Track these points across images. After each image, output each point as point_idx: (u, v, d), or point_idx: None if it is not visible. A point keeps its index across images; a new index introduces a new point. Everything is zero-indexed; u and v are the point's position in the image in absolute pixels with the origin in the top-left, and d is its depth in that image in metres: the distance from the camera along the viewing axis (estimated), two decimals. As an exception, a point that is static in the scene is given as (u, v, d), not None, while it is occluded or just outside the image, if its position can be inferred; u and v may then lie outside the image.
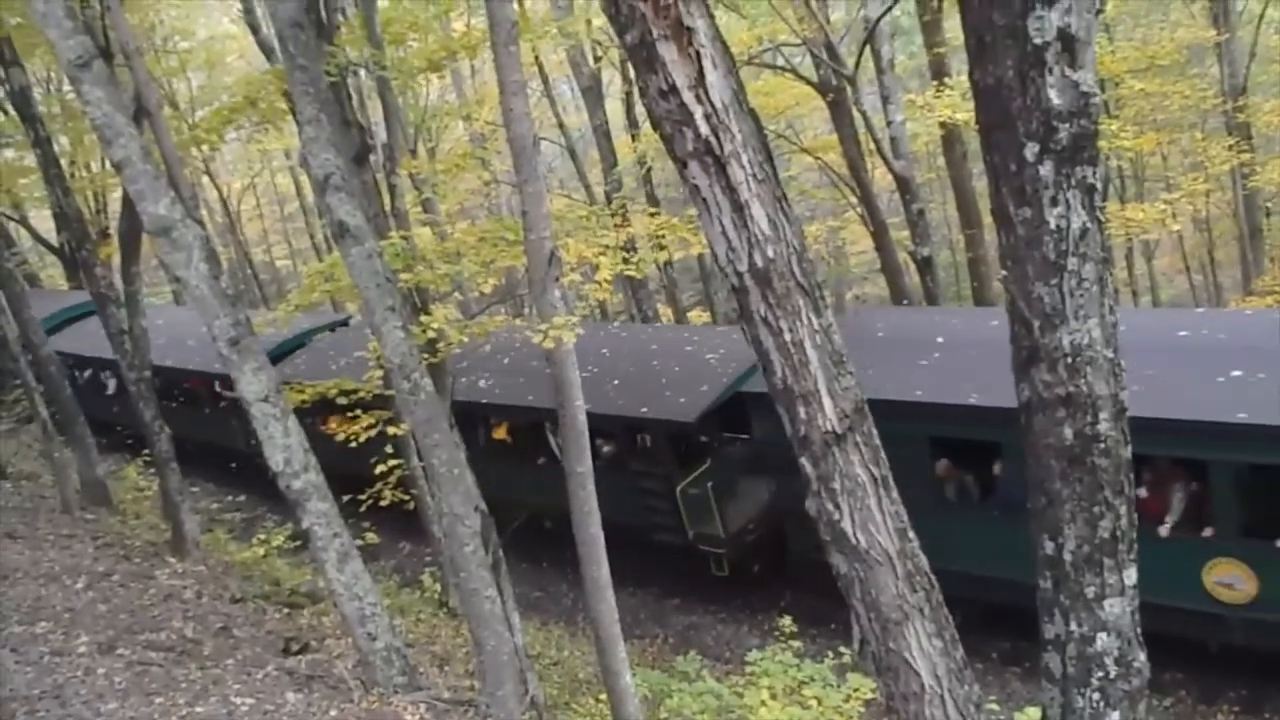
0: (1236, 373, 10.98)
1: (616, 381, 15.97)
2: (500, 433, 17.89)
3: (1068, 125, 3.35)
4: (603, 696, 10.49)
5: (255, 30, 17.46)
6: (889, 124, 18.76)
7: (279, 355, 20.06)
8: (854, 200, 23.69)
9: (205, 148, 15.95)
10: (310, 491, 8.74)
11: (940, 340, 13.54)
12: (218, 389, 22.27)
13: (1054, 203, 3.44)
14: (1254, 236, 23.97)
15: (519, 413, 17.11)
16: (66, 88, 22.98)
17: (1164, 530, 11.42)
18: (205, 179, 38.60)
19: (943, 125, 20.28)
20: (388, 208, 11.71)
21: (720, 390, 14.87)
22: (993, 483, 12.87)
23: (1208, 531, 11.24)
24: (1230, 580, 11.07)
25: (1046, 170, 3.41)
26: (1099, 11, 3.29)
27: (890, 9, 18.48)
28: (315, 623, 12.64)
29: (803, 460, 4.21)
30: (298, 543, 14.88)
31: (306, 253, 48.48)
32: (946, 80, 19.56)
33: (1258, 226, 24.16)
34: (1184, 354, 11.62)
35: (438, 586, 15.40)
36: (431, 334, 10.34)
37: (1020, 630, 11.48)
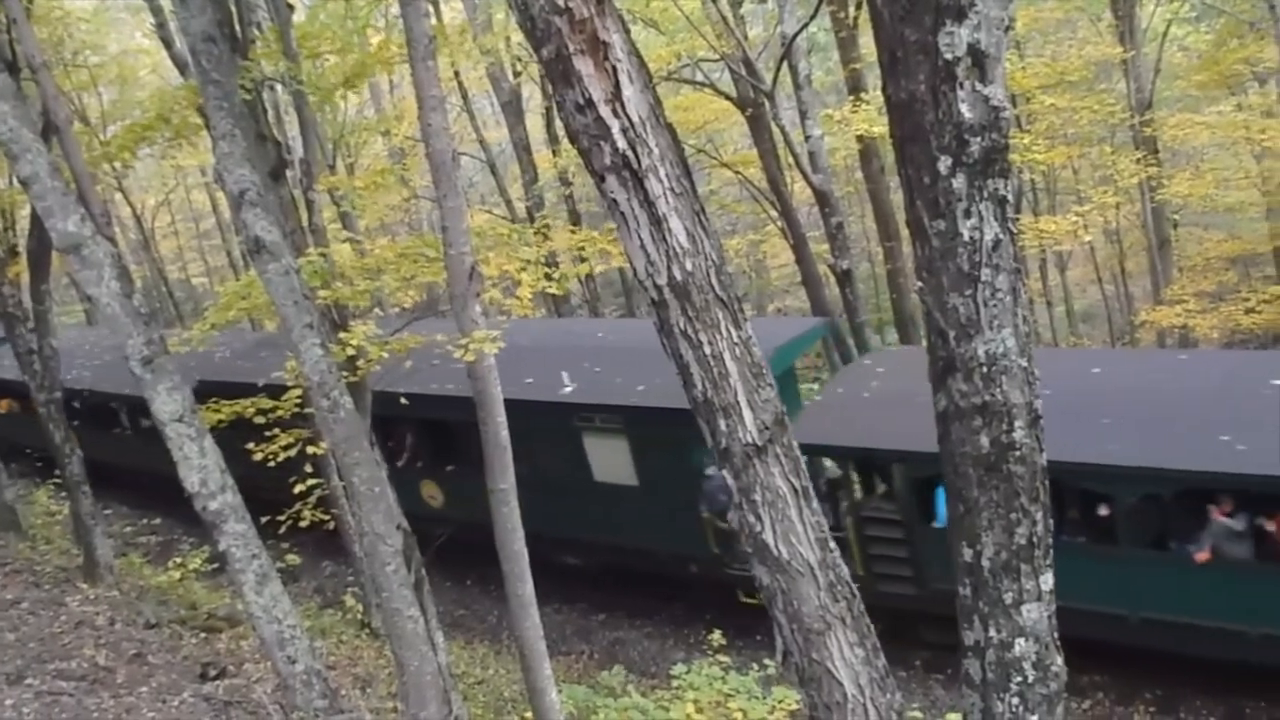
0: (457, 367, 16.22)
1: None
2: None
3: (979, 139, 3.38)
4: (528, 714, 10.42)
5: (168, 45, 17.09)
6: (807, 138, 18.94)
7: None
8: (774, 214, 23.96)
9: (118, 164, 15.65)
10: (227, 513, 8.57)
11: None
12: None
13: (967, 214, 3.46)
14: (1162, 247, 24.64)
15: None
16: (-29, 102, 22.35)
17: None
18: (118, 195, 37.73)
19: (860, 139, 20.58)
20: (305, 223, 11.56)
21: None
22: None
23: (420, 463, 17.54)
24: (433, 495, 17.40)
25: (959, 183, 3.44)
26: (1009, 29, 3.33)
27: (806, 25, 18.66)
28: (234, 647, 12.41)
29: (724, 473, 4.21)
30: (215, 565, 14.61)
31: (223, 270, 47.65)
32: (863, 95, 19.85)
33: (1166, 237, 24.83)
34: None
35: (360, 607, 15.21)
36: (351, 351, 10.23)
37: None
